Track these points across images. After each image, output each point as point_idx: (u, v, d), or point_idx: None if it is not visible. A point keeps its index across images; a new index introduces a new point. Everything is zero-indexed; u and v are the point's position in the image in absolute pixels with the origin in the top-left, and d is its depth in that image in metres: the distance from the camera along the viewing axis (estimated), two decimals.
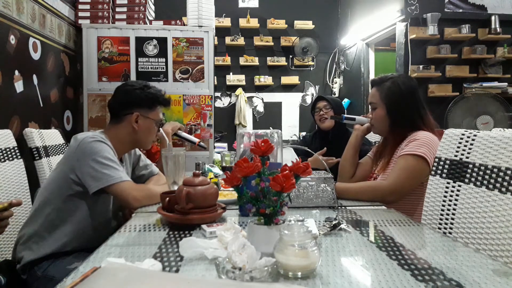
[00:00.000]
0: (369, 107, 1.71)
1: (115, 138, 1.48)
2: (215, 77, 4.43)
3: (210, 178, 1.72)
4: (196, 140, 2.09)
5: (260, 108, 5.77)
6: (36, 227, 1.37)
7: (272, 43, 5.65)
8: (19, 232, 1.41)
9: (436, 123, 1.63)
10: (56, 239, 1.36)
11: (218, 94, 5.56)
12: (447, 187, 1.21)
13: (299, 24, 5.69)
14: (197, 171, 1.17)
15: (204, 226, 1.01)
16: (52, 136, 2.20)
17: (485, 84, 3.92)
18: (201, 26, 3.07)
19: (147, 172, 1.69)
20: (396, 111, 1.58)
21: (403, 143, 1.53)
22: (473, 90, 3.89)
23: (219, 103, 5.62)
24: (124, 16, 3.14)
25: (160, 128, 1.59)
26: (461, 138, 1.20)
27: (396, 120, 1.59)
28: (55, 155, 2.14)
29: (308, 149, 1.55)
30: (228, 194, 1.44)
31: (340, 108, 2.43)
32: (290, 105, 5.80)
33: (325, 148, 2.12)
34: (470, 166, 1.14)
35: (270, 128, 2.03)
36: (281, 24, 5.66)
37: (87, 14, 3.04)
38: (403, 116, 1.58)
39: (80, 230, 1.39)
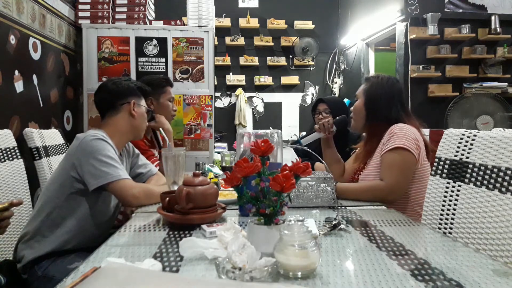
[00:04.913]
0: None
1: (115, 130, 1.50)
2: (215, 77, 4.42)
3: (210, 178, 1.72)
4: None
5: (260, 108, 5.77)
6: (38, 225, 1.37)
7: (272, 43, 5.64)
8: (22, 231, 1.42)
9: (424, 123, 1.64)
10: (57, 237, 1.36)
11: (218, 94, 5.56)
12: (447, 187, 1.21)
13: (299, 24, 5.69)
14: (197, 171, 1.17)
15: (204, 226, 1.01)
16: (52, 136, 2.19)
17: (485, 84, 3.92)
18: (201, 26, 3.06)
19: (145, 170, 1.69)
20: (372, 104, 1.62)
21: (382, 141, 1.55)
22: (473, 90, 3.89)
23: (219, 103, 5.62)
24: (124, 16, 3.14)
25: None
26: (461, 138, 1.20)
27: (370, 113, 1.62)
28: (55, 155, 2.14)
29: (308, 149, 1.55)
30: (228, 194, 1.44)
31: (341, 111, 2.42)
32: (290, 105, 5.80)
33: None
34: (470, 166, 1.14)
35: (270, 128, 2.03)
36: (281, 24, 5.66)
37: (87, 14, 3.04)
38: (377, 110, 1.60)
39: (81, 228, 1.39)
